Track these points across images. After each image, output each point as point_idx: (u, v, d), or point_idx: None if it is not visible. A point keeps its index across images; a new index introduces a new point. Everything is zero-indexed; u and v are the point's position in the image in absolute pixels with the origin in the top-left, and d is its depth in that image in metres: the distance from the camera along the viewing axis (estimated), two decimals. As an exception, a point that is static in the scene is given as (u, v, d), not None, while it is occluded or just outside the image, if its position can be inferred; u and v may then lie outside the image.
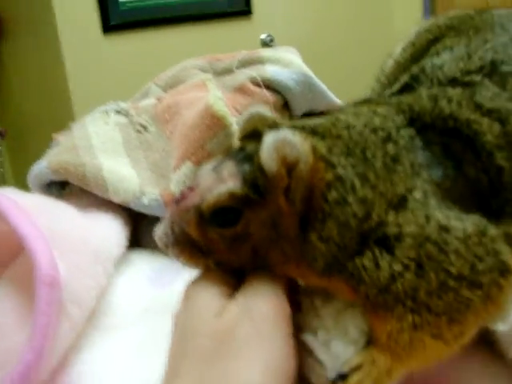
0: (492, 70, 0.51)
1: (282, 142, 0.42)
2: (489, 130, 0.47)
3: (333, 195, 0.44)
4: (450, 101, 0.49)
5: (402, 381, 0.47)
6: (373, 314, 0.46)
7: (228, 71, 0.98)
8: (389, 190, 0.44)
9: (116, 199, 0.75)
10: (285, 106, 1.01)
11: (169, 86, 0.95)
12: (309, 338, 0.47)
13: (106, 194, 0.76)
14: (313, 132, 0.47)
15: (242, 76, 0.95)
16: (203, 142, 0.75)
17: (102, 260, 0.64)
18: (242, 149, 0.47)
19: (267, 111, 0.49)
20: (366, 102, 0.54)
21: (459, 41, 0.55)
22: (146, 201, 0.74)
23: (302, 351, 0.48)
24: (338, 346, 0.47)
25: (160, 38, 2.55)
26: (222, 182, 0.45)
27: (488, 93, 0.49)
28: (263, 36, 2.88)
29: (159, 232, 0.47)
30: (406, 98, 0.51)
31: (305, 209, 0.44)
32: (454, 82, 0.51)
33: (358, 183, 0.44)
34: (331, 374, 0.46)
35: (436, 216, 0.44)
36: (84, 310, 0.58)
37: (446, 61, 0.53)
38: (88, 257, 0.62)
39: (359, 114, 0.49)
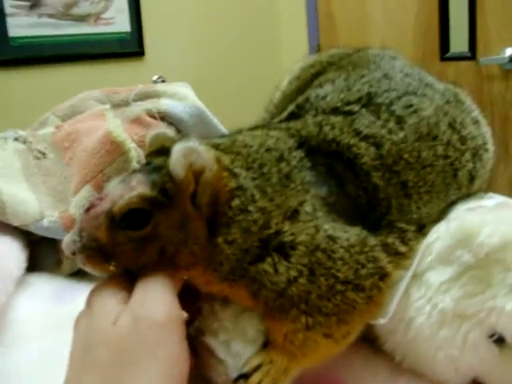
0: (368, 102, 0.58)
1: (190, 150, 0.46)
2: (366, 153, 0.54)
3: (236, 202, 0.48)
4: (332, 127, 0.56)
5: (295, 379, 0.52)
6: (269, 317, 0.50)
7: (125, 103, 1.03)
8: (284, 203, 0.50)
9: (15, 222, 0.77)
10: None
11: (67, 117, 0.97)
12: (210, 340, 0.51)
13: (4, 217, 0.77)
14: (215, 147, 0.52)
15: (138, 108, 0.99)
16: (103, 167, 0.78)
17: (2, 278, 0.66)
18: (148, 163, 0.51)
19: (171, 132, 0.53)
20: (259, 127, 0.60)
21: (340, 74, 0.63)
22: (45, 223, 0.76)
23: (205, 353, 0.52)
24: (237, 345, 0.51)
25: (52, 75, 2.53)
26: (131, 189, 0.47)
27: (365, 121, 0.56)
28: (155, 77, 2.93)
29: (67, 240, 0.49)
30: (295, 124, 0.58)
31: (211, 213, 0.48)
32: (335, 110, 0.58)
33: (257, 194, 0.49)
34: (233, 373, 0.50)
35: (324, 227, 0.50)
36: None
37: (328, 92, 0.60)
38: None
39: (255, 135, 0.55)
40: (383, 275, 0.51)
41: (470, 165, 0.60)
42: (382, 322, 0.52)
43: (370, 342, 0.58)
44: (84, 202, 0.77)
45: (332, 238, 0.49)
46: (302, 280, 0.48)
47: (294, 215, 0.50)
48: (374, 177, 0.54)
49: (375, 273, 0.50)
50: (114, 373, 0.44)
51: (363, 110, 0.57)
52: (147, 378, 0.44)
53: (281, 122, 0.62)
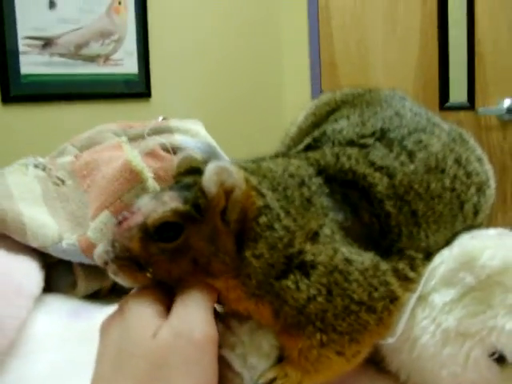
0: (381, 136, 0.62)
1: (222, 169, 0.50)
2: (380, 183, 0.58)
3: (263, 219, 0.52)
4: (349, 158, 0.60)
5: None
6: (286, 334, 0.53)
7: (140, 137, 1.07)
8: (306, 225, 0.53)
9: (34, 244, 0.80)
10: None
11: (85, 147, 1.02)
12: (227, 353, 0.54)
13: (24, 239, 0.80)
14: (243, 169, 0.55)
15: (153, 142, 1.04)
16: (121, 194, 0.82)
17: (24, 294, 0.69)
18: (177, 181, 0.55)
19: (198, 154, 0.57)
20: (280, 155, 0.64)
21: (354, 111, 0.67)
22: (64, 245, 0.80)
23: (222, 366, 0.54)
24: (253, 358, 0.53)
25: (61, 113, 2.59)
26: (164, 204, 0.50)
27: (379, 153, 0.60)
28: (160, 119, 3.00)
29: (99, 250, 0.51)
30: (314, 154, 0.62)
31: (240, 229, 0.51)
32: (351, 143, 0.62)
33: (282, 214, 0.53)
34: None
35: (341, 250, 0.53)
36: (5, 338, 0.62)
37: (344, 126, 0.65)
38: (12, 288, 0.66)
39: (277, 162, 0.59)
40: (394, 298, 0.54)
41: (475, 198, 0.63)
42: (390, 341, 0.55)
43: (376, 364, 0.60)
44: (102, 227, 0.81)
45: (348, 261, 0.53)
46: (320, 299, 0.51)
47: (314, 237, 0.53)
48: (386, 205, 0.58)
49: (387, 296, 0.54)
50: None
51: (377, 143, 0.61)
52: None
53: (297, 153, 0.66)
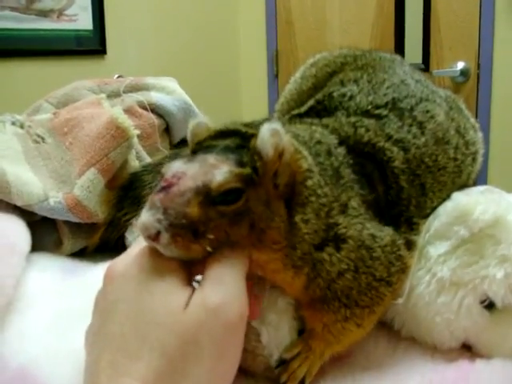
0: (393, 106, 0.63)
1: (275, 131, 0.48)
2: (397, 157, 0.59)
3: (310, 183, 0.51)
4: (367, 130, 0.60)
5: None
6: (311, 308, 0.55)
7: (116, 94, 1.06)
8: (339, 196, 0.53)
9: (19, 202, 0.79)
10: (165, 131, 1.10)
11: (61, 104, 1.00)
12: (257, 325, 0.55)
13: (8, 197, 0.79)
14: None
15: (130, 99, 1.03)
16: (108, 151, 0.81)
17: (17, 252, 0.68)
18: (209, 146, 0.51)
19: (209, 121, 0.55)
20: (293, 119, 0.64)
21: (361, 75, 0.67)
22: (51, 203, 0.79)
23: (245, 343, 0.53)
24: (271, 315, 0.55)
25: (12, 69, 2.51)
26: (214, 167, 0.47)
27: (394, 125, 0.61)
28: (115, 76, 2.94)
29: (147, 220, 0.46)
30: (330, 122, 0.61)
31: (288, 193, 0.50)
32: (366, 113, 0.62)
33: (322, 180, 0.52)
34: (275, 359, 0.55)
35: (366, 225, 0.54)
36: (5, 296, 0.62)
37: (354, 92, 0.64)
38: (7, 247, 0.66)
39: (299, 128, 0.58)
40: (406, 268, 0.57)
41: (470, 168, 0.67)
42: (400, 301, 0.58)
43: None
44: (89, 184, 0.80)
45: (373, 237, 0.54)
46: (348, 275, 0.53)
47: (345, 209, 0.53)
48: (401, 180, 0.59)
49: (401, 269, 0.56)
50: (180, 362, 0.43)
51: (391, 115, 0.62)
52: (210, 376, 0.44)
53: (300, 115, 0.66)
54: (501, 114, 2.51)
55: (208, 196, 0.46)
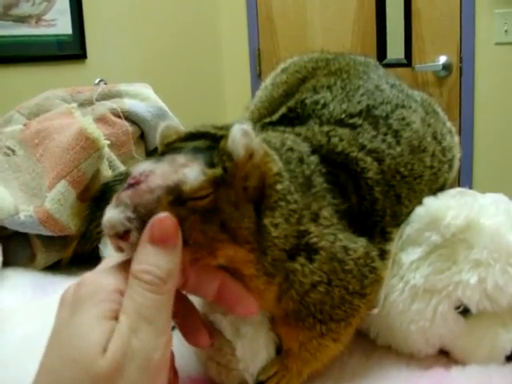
0: (368, 114, 0.61)
1: (246, 132, 0.47)
2: (371, 168, 0.58)
3: (280, 186, 0.49)
4: (341, 139, 0.58)
5: None
6: (285, 325, 0.53)
7: (88, 103, 1.05)
8: (310, 204, 0.52)
9: (-11, 217, 0.78)
10: (140, 138, 1.09)
11: (33, 115, 0.99)
12: (219, 320, 0.54)
13: (-22, 213, 0.78)
14: None
15: (103, 107, 1.02)
16: (78, 163, 0.80)
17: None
18: (179, 148, 0.49)
19: (179, 124, 0.54)
20: (265, 127, 0.62)
21: (334, 81, 0.65)
22: (22, 217, 0.78)
23: (219, 357, 0.54)
24: (245, 327, 0.53)
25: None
26: (184, 166, 0.45)
27: (368, 135, 0.60)
28: (96, 81, 2.92)
29: (116, 218, 0.43)
30: (303, 131, 0.60)
31: (258, 196, 0.48)
32: (340, 122, 0.61)
33: (292, 187, 0.50)
34: (250, 373, 0.54)
35: (339, 236, 0.53)
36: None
37: (328, 100, 0.63)
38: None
39: (270, 135, 0.57)
40: (379, 280, 0.56)
41: (446, 175, 0.66)
42: (375, 311, 0.57)
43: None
44: (60, 197, 0.79)
45: (346, 249, 0.53)
46: (320, 288, 0.51)
47: (316, 218, 0.52)
48: (375, 191, 0.58)
49: (374, 280, 0.55)
50: None
51: (365, 124, 0.61)
52: None
53: (272, 123, 0.64)
54: (484, 107, 2.51)
55: (179, 197, 0.44)
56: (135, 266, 0.42)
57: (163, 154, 0.49)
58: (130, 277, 0.42)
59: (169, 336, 0.43)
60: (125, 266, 0.44)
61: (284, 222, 0.49)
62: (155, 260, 0.42)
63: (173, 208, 0.44)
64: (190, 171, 0.45)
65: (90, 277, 0.44)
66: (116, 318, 0.41)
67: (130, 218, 0.43)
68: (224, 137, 0.48)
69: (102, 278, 0.44)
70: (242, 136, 0.46)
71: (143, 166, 0.46)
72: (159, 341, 0.41)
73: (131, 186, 0.45)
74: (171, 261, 0.43)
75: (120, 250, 0.45)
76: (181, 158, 0.46)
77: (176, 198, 0.44)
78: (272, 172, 0.49)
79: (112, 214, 0.43)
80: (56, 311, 0.44)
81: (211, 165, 0.46)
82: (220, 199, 0.46)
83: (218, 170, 0.46)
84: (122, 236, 0.43)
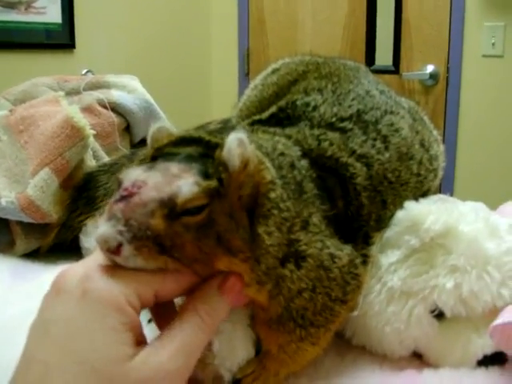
0: (358, 119, 0.62)
1: (241, 141, 0.46)
2: (360, 173, 0.58)
3: (273, 195, 0.49)
4: (331, 144, 0.58)
5: None
6: (266, 327, 0.54)
7: (75, 92, 1.05)
8: (301, 212, 0.51)
9: (-30, 202, 0.77)
10: (126, 130, 1.09)
11: (19, 101, 0.98)
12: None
13: (-42, 196, 0.77)
14: None
15: (90, 97, 1.02)
16: (62, 151, 0.80)
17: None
18: (171, 154, 0.48)
19: (171, 126, 0.52)
20: (255, 124, 0.62)
21: (325, 84, 0.65)
22: (3, 203, 0.77)
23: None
24: (224, 324, 0.53)
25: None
26: (178, 177, 0.44)
27: (358, 140, 0.60)
28: (84, 71, 2.90)
29: (107, 232, 0.43)
30: (293, 133, 0.59)
31: (251, 205, 0.48)
32: (331, 126, 0.61)
33: (284, 194, 0.50)
34: (226, 367, 0.54)
35: (326, 243, 0.53)
36: None
37: (318, 102, 0.63)
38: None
39: (261, 138, 0.56)
40: (360, 285, 0.56)
41: (431, 183, 0.67)
42: (354, 314, 0.57)
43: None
44: (43, 184, 0.79)
45: (332, 257, 0.53)
46: (305, 294, 0.51)
47: (306, 226, 0.52)
48: (362, 197, 0.58)
49: (356, 287, 0.55)
50: None
51: (355, 128, 0.61)
52: None
53: (261, 121, 0.64)
54: (468, 117, 2.54)
55: (173, 210, 0.43)
56: (200, 304, 0.45)
57: (154, 158, 0.48)
58: (191, 309, 0.45)
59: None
60: (137, 278, 0.44)
61: (277, 231, 0.48)
62: (218, 307, 0.46)
63: (167, 222, 0.43)
64: (185, 183, 0.44)
65: (96, 276, 0.43)
66: (126, 331, 0.41)
67: (122, 231, 0.42)
68: (219, 146, 0.47)
69: (111, 284, 0.43)
70: (237, 146, 0.45)
71: (135, 174, 0.45)
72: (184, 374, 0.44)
73: (124, 198, 0.44)
74: (227, 312, 0.47)
75: (114, 263, 0.44)
76: (174, 168, 0.45)
77: (170, 211, 0.43)
78: (266, 180, 0.48)
79: (104, 229, 0.43)
80: (51, 295, 0.43)
81: (206, 175, 0.45)
82: (215, 211, 0.45)
83: (213, 182, 0.45)
84: (114, 251, 0.42)
